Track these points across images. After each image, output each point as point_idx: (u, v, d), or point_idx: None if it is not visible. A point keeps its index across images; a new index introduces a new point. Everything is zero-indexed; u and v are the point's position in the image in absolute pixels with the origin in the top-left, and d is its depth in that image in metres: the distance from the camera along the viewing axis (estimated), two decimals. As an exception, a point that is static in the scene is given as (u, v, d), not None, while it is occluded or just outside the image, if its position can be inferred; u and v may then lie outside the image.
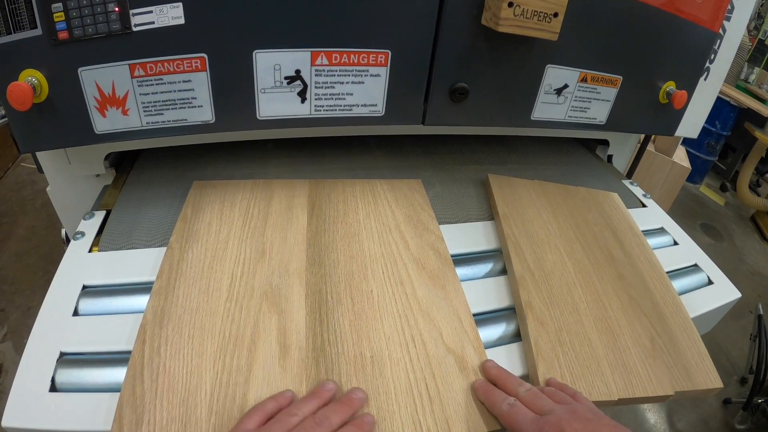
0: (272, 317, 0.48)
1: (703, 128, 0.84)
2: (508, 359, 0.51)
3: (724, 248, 2.47)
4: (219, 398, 0.41)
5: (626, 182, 0.86)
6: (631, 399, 0.49)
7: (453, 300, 0.54)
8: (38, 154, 0.65)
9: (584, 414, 0.39)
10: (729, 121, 2.77)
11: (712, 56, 0.75)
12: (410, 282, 0.55)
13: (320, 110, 0.58)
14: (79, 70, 0.48)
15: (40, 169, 0.67)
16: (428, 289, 0.54)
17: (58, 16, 0.45)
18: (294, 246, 0.57)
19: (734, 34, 0.74)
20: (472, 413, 0.44)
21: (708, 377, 0.53)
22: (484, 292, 0.58)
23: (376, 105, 0.60)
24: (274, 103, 0.56)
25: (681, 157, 2.15)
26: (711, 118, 0.75)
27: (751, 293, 2.11)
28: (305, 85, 0.56)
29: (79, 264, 0.54)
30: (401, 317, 0.51)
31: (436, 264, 0.58)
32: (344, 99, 0.58)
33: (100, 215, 0.62)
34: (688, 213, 2.72)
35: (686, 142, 2.45)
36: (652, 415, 1.53)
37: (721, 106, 2.69)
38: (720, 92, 0.81)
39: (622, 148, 0.95)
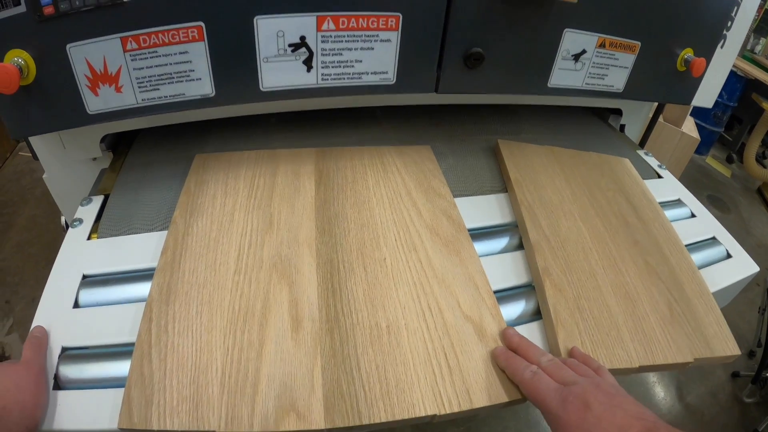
0: (283, 289, 0.47)
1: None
2: (528, 338, 0.49)
3: (731, 220, 2.44)
4: (231, 375, 0.40)
5: (641, 152, 0.84)
6: (651, 366, 0.48)
7: (468, 266, 0.52)
8: (32, 140, 0.63)
9: (608, 389, 0.38)
10: (736, 92, 2.72)
11: (729, 24, 0.72)
12: (424, 249, 0.53)
13: (327, 79, 0.56)
14: (68, 46, 0.46)
15: (35, 156, 0.65)
16: (443, 256, 0.53)
17: (42, -10, 0.43)
18: (302, 215, 0.55)
19: (751, 0, 0.71)
20: (492, 383, 0.43)
21: (726, 344, 0.51)
22: (501, 268, 0.56)
23: (386, 72, 0.57)
24: (278, 72, 0.54)
25: (690, 128, 2.11)
26: (717, 89, 0.74)
27: (759, 266, 2.09)
28: (311, 53, 0.53)
29: (78, 253, 0.52)
30: (416, 285, 0.49)
31: (450, 230, 0.56)
32: (353, 66, 0.56)
33: (98, 200, 0.59)
34: (695, 184, 2.69)
35: (692, 112, 2.41)
36: (661, 389, 1.53)
37: (728, 76, 2.64)
38: (727, 62, 0.78)
39: (635, 117, 0.93)
